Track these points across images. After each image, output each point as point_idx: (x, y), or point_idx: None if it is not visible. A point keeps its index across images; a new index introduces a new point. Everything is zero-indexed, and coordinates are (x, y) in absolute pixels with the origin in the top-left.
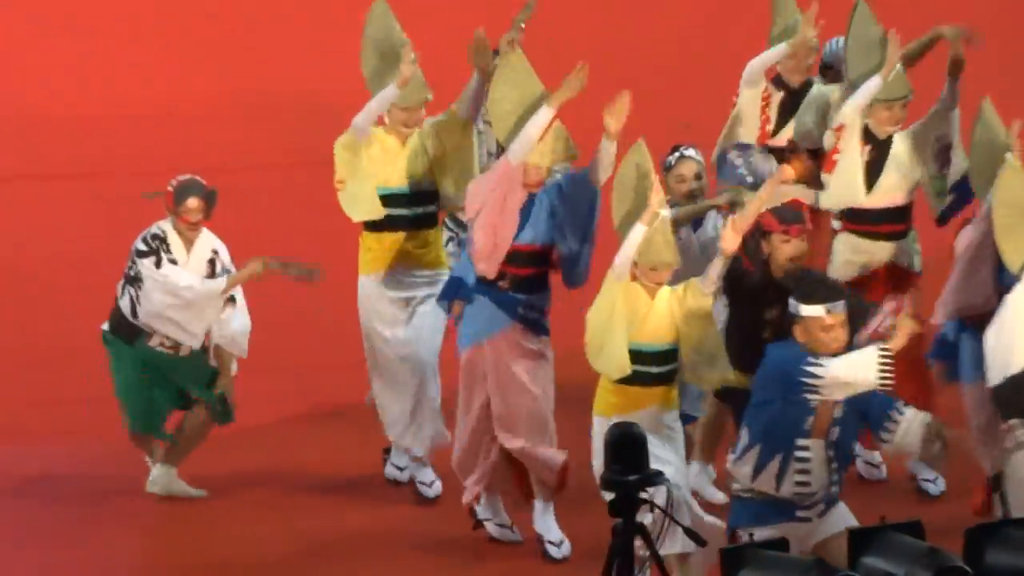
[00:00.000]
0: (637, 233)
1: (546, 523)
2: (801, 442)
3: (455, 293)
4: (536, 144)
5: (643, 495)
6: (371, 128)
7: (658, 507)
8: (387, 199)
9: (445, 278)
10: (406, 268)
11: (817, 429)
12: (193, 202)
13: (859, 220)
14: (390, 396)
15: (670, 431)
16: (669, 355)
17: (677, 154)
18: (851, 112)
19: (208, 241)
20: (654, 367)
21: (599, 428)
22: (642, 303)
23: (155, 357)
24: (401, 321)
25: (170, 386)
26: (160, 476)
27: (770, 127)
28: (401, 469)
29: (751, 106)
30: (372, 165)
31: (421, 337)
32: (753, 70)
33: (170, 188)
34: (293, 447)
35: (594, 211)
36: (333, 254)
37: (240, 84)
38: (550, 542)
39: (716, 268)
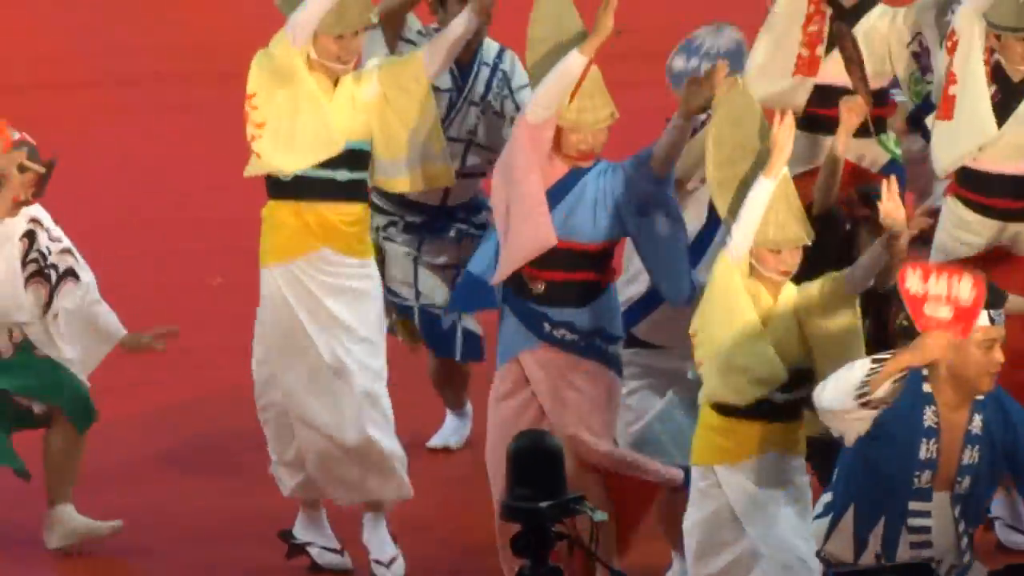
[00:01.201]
0: (760, 195)
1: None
2: (915, 504)
3: (478, 299)
4: (563, 98)
5: (559, 528)
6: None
7: (582, 546)
8: None
9: (372, 272)
10: (335, 252)
11: (939, 479)
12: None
13: (970, 184)
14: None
15: (796, 485)
16: (798, 377)
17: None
18: (968, 15)
19: (26, 210)
20: (778, 394)
21: (701, 483)
22: (760, 304)
23: None
24: (335, 324)
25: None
26: (56, 523)
27: (820, 50)
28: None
29: (793, 10)
30: (296, 102)
31: (356, 367)
32: None
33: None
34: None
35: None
36: None
37: None
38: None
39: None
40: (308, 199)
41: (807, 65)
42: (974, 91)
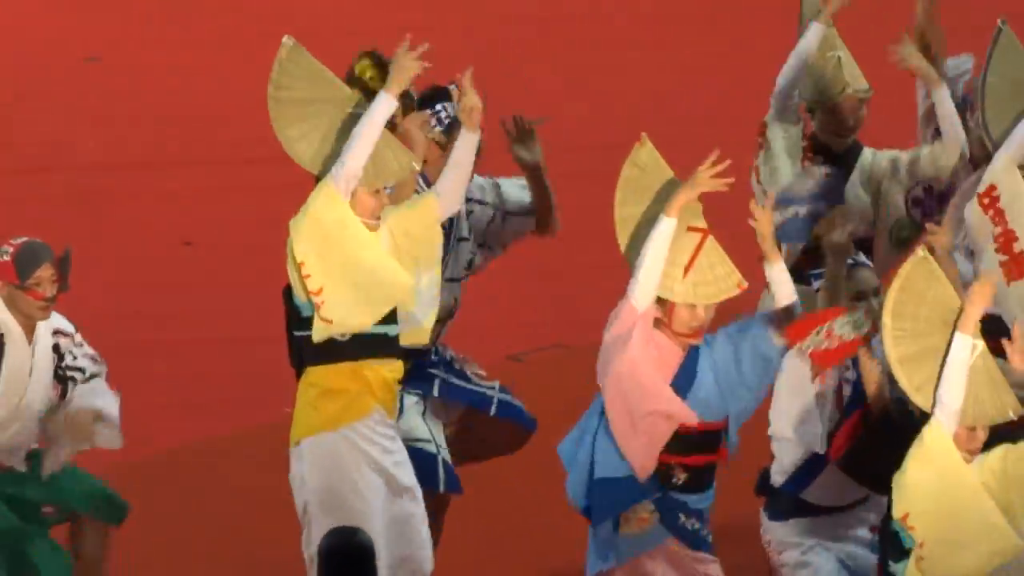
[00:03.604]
0: (959, 350)
1: None
2: None
3: (622, 499)
4: (662, 270)
5: None
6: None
7: None
8: None
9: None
10: (384, 412)
11: None
12: (46, 270)
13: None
14: None
15: None
16: None
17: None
18: (1008, 166)
19: (49, 323)
20: None
21: None
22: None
23: None
24: (391, 495)
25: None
26: None
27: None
28: None
29: (791, 149)
30: (355, 254)
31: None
32: (783, 90)
33: (5, 257)
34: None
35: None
36: None
37: None
38: None
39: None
40: (366, 358)
41: None
42: None
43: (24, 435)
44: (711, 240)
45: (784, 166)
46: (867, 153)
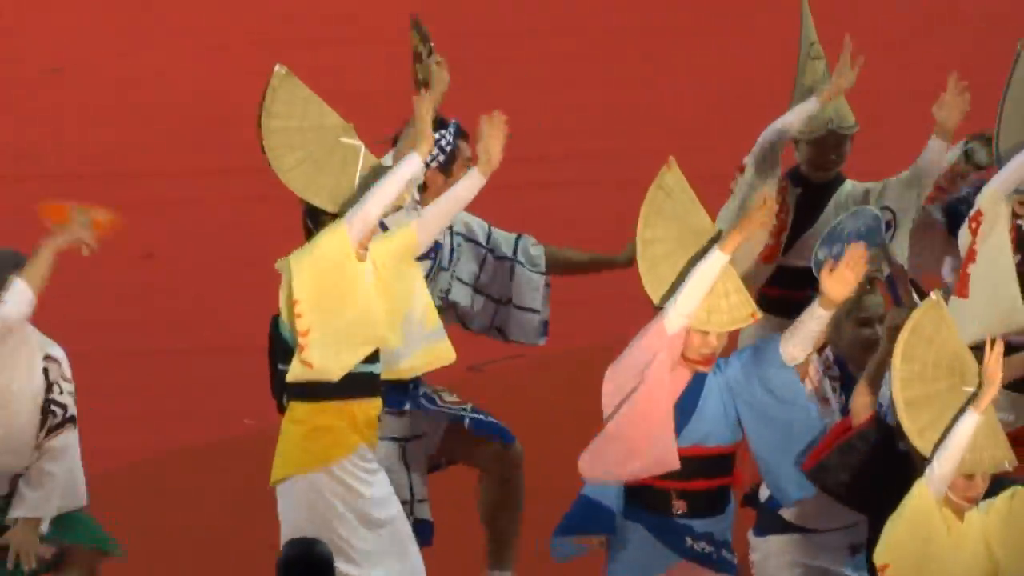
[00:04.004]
0: (967, 427)
1: None
2: None
3: (592, 523)
4: (703, 302)
5: None
6: None
7: None
8: None
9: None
10: (367, 446)
11: None
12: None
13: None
14: None
15: None
16: None
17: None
18: (995, 195)
19: (34, 344)
20: None
21: None
22: (952, 531)
23: None
24: (368, 531)
25: None
26: None
27: (783, 238)
28: None
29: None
30: (343, 298)
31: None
32: (769, 140)
33: None
34: None
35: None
36: None
37: None
38: None
39: None
40: (352, 397)
41: (768, 253)
42: (1001, 270)
43: (10, 456)
44: (729, 268)
45: (731, 212)
46: (847, 185)
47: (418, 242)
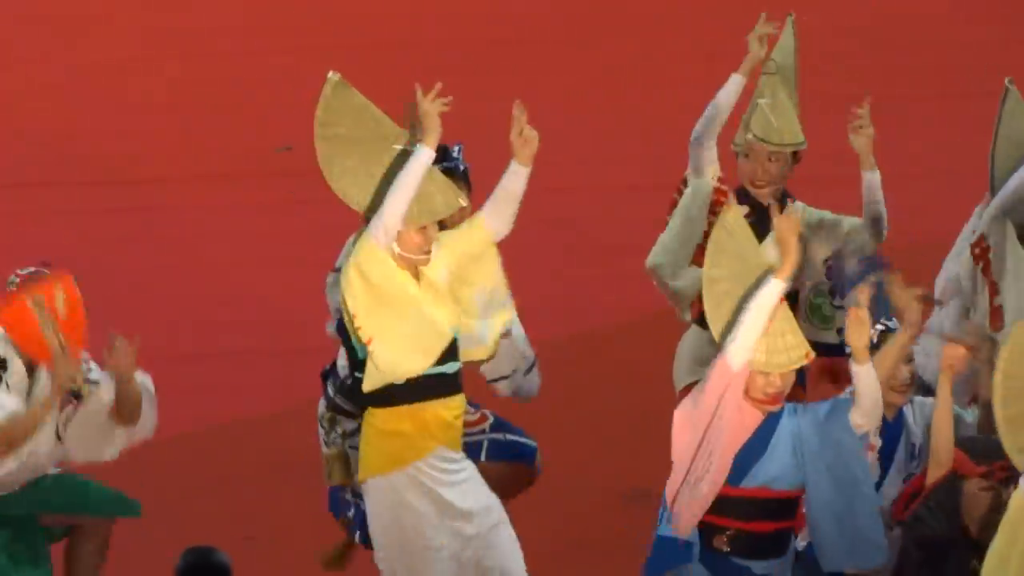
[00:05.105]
0: None
1: None
2: None
3: (672, 558)
4: (761, 343)
5: None
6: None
7: None
8: None
9: (469, 464)
10: (448, 449)
11: None
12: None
13: None
14: None
15: None
16: None
17: None
18: (996, 216)
19: None
20: None
21: None
22: None
23: None
24: (452, 525)
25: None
26: None
27: None
28: None
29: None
30: (398, 308)
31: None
32: (695, 137)
33: (12, 288)
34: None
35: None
36: None
37: None
38: None
39: None
40: (422, 400)
41: None
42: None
43: (27, 473)
44: (784, 307)
45: (674, 223)
46: (797, 205)
47: (490, 230)
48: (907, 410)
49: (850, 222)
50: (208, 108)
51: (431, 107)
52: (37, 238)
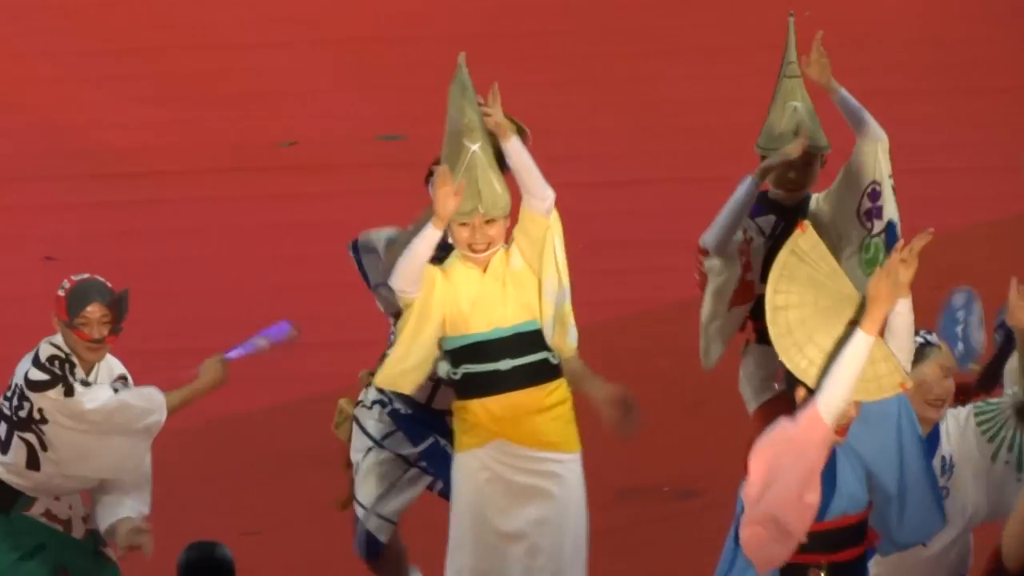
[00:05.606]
0: None
1: None
2: None
3: None
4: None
5: None
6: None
7: None
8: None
9: (565, 470)
10: (511, 443)
11: None
12: (95, 310)
13: None
14: None
15: None
16: None
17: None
18: None
19: (110, 367)
20: None
21: None
22: None
23: (38, 532)
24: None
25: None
26: None
27: (752, 275)
28: None
29: (721, 289)
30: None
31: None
32: (718, 242)
33: (61, 292)
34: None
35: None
36: None
37: None
38: None
39: None
40: (482, 395)
41: (742, 293)
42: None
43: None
44: (877, 341)
45: (707, 306)
46: (813, 199)
47: (532, 208)
48: (942, 425)
49: (851, 162)
50: (210, 101)
51: (446, 198)
52: (38, 231)
